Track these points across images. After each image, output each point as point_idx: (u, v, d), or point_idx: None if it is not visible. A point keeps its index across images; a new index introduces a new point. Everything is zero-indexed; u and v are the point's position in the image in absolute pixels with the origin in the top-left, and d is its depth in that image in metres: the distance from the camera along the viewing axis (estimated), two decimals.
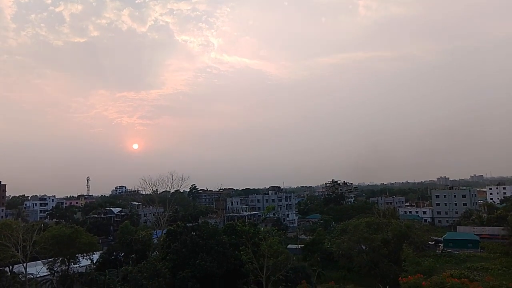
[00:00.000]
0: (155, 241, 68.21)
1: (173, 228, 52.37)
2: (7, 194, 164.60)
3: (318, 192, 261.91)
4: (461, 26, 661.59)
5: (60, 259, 53.98)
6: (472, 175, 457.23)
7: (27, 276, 48.04)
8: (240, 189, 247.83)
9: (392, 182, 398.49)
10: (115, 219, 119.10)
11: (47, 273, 53.44)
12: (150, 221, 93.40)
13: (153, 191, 72.41)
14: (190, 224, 59.99)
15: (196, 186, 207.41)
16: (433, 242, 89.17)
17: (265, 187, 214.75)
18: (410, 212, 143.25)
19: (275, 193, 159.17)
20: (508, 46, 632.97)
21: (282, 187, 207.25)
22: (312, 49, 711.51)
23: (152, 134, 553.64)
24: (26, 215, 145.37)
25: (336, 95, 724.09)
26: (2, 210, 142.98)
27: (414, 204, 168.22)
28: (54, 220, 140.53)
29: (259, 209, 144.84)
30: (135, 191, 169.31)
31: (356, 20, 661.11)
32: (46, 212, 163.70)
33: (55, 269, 53.21)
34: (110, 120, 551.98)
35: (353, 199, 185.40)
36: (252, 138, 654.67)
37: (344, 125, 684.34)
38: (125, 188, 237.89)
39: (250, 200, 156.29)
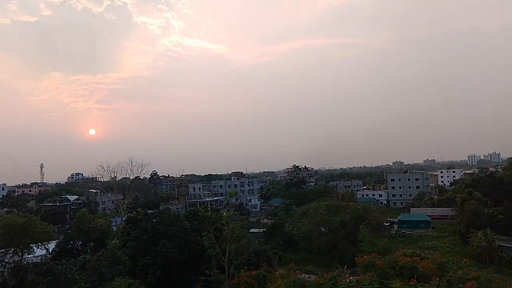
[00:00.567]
0: (114, 229, 66.80)
1: (133, 215, 51.26)
2: None
3: (280, 177, 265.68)
4: (417, 16, 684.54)
5: (12, 249, 51.68)
6: (425, 159, 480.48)
7: None
8: (203, 175, 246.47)
9: (350, 166, 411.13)
10: (72, 207, 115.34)
11: None
12: (109, 209, 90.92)
13: (112, 178, 70.54)
14: (151, 211, 59.08)
15: (157, 173, 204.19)
16: (388, 223, 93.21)
17: (227, 173, 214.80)
18: (367, 195, 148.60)
19: (238, 179, 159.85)
20: (459, 36, 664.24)
21: (245, 172, 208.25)
22: (273, 34, 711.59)
23: (110, 119, 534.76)
24: None
25: (296, 81, 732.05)
26: None
27: (371, 187, 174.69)
28: (5, 209, 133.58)
29: (221, 194, 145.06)
30: (93, 178, 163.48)
31: (316, 6, 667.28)
32: None
33: (7, 260, 50.86)
34: (65, 105, 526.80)
35: (313, 183, 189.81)
36: (213, 124, 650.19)
37: (304, 111, 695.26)
38: (82, 175, 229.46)
39: (212, 186, 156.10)
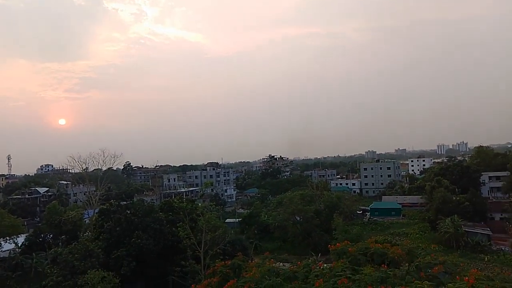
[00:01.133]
0: (86, 221, 65.53)
1: (106, 207, 50.41)
2: None
3: (256, 167, 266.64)
4: (392, 6, 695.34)
5: None
6: (397, 148, 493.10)
7: None
8: (177, 165, 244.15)
9: (325, 156, 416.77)
10: (42, 199, 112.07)
11: None
12: (80, 201, 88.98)
13: (83, 169, 69.06)
14: (125, 203, 58.20)
15: (130, 164, 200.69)
16: (361, 211, 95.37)
17: (203, 164, 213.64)
18: (340, 184, 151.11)
19: (213, 169, 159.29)
20: (433, 27, 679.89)
21: (220, 163, 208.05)
22: (249, 24, 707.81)
23: (80, 108, 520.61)
24: None
25: (271, 71, 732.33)
26: None
27: (345, 176, 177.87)
28: None
29: (197, 185, 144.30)
30: (63, 169, 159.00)
31: None
32: None
33: None
34: (33, 94, 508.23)
35: (288, 173, 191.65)
36: (189, 113, 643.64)
37: (279, 101, 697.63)
38: (52, 166, 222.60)
39: (187, 177, 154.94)
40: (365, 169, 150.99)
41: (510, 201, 74.11)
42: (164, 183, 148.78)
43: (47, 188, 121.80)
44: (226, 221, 77.33)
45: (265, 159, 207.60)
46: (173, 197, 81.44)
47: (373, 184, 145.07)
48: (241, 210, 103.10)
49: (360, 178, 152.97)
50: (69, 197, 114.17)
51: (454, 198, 72.69)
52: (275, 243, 69.20)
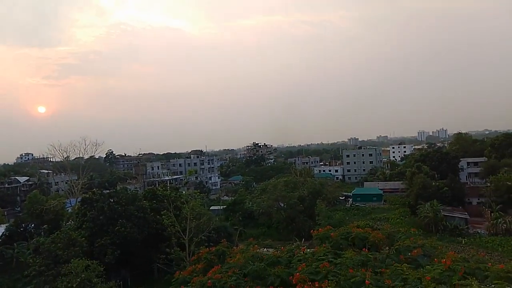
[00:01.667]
0: (69, 210, 64.77)
1: (88, 196, 49.88)
2: None
3: (240, 154, 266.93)
4: None
5: None
6: (378, 135, 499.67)
7: None
8: (161, 153, 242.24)
9: (308, 143, 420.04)
10: (22, 188, 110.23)
11: None
12: (62, 190, 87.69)
13: (65, 158, 67.91)
14: (108, 191, 57.70)
15: (112, 152, 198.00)
16: (344, 197, 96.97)
17: (187, 151, 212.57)
18: (324, 170, 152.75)
19: (198, 157, 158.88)
20: (418, 16, 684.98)
21: (205, 150, 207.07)
22: (234, 11, 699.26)
23: (60, 96, 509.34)
24: None
25: (255, 58, 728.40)
26: None
27: (328, 163, 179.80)
28: None
29: (181, 173, 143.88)
30: (44, 158, 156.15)
31: None
32: None
33: None
34: (10, 81, 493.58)
35: (272, 160, 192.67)
36: (172, 101, 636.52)
37: (263, 88, 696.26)
38: (32, 155, 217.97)
39: (171, 165, 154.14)
40: (348, 156, 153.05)
41: (487, 186, 76.42)
42: (148, 171, 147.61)
43: (28, 177, 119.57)
44: (210, 208, 77.52)
45: (249, 147, 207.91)
46: (157, 185, 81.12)
47: (355, 170, 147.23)
48: (225, 198, 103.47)
49: (342, 164, 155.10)
50: (50, 186, 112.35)
51: (433, 183, 74.47)
52: (260, 229, 69.95)
